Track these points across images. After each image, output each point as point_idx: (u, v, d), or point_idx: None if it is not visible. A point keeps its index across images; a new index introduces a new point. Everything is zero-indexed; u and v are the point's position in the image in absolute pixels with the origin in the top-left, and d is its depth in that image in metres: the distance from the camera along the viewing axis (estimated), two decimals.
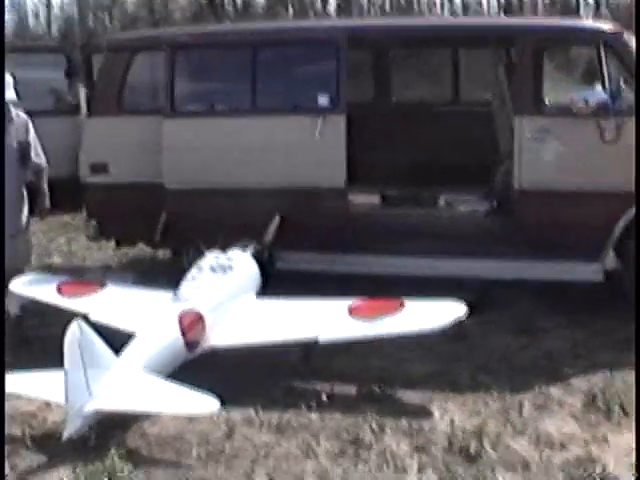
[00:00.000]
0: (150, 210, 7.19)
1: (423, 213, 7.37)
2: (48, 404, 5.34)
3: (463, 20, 7.00)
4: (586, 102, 6.47)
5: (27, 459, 4.68)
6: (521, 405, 5.27)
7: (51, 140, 7.51)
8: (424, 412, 5.22)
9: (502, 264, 6.83)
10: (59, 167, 7.57)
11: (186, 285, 5.68)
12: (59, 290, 6.22)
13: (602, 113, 6.42)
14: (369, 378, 5.66)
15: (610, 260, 6.71)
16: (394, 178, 7.71)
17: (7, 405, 5.37)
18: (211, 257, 5.97)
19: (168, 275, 7.41)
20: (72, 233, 9.85)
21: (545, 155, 6.52)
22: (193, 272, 5.82)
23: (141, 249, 8.84)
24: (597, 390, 5.35)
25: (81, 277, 7.19)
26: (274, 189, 6.89)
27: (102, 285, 6.26)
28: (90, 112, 7.47)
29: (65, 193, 7.55)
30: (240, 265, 6.01)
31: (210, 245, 7.00)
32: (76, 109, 7.91)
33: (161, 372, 5.06)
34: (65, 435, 4.57)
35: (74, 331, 4.59)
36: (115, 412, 4.76)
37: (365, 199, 7.35)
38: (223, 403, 4.64)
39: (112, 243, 8.78)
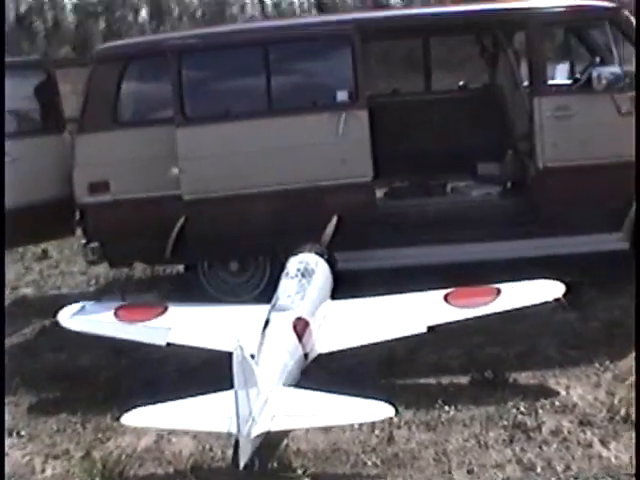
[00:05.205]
0: (159, 226, 6.81)
1: (437, 202, 7.39)
2: (161, 435, 5.00)
3: (463, 7, 6.98)
4: (599, 78, 6.70)
5: None
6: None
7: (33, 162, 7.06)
8: (550, 390, 5.26)
9: (527, 243, 6.96)
10: (44, 190, 7.11)
11: (284, 293, 5.41)
12: (117, 316, 5.77)
13: (615, 88, 6.66)
14: (466, 366, 5.65)
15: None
16: (396, 169, 7.67)
17: (113, 443, 5.01)
18: (295, 262, 5.72)
19: (183, 292, 7.16)
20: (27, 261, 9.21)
21: (567, 132, 6.69)
22: (285, 280, 5.55)
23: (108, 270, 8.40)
24: None
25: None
26: (302, 189, 6.69)
27: (165, 307, 5.86)
28: (81, 128, 6.93)
29: (54, 217, 7.09)
30: (319, 268, 5.81)
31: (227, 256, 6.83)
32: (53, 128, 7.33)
33: (292, 385, 4.82)
34: (241, 464, 4.23)
35: (238, 356, 4.26)
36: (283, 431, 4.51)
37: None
38: (397, 409, 4.47)
39: (76, 267, 8.42)
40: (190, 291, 7.17)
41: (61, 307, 6.07)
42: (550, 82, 6.89)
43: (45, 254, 9.33)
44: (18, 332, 7.08)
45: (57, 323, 6.06)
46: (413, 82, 8.69)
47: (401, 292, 5.80)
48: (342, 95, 6.75)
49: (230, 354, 4.32)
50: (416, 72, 8.56)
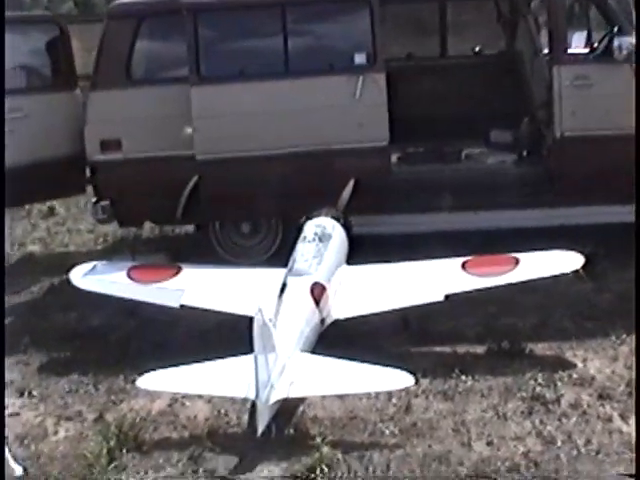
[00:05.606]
0: (171, 185, 6.74)
1: (451, 168, 7.30)
2: (175, 399, 4.95)
3: None
4: (620, 48, 6.58)
5: (214, 462, 4.26)
6: None
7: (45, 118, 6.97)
8: (567, 362, 5.22)
9: (542, 212, 6.89)
10: (56, 147, 7.02)
11: (302, 257, 5.35)
12: (130, 277, 5.70)
13: (634, 58, 6.55)
14: (482, 335, 5.60)
15: None
16: (409, 134, 7.56)
17: (126, 406, 4.96)
18: (312, 226, 5.65)
19: (193, 252, 7.10)
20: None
21: (586, 101, 6.59)
22: (302, 244, 5.49)
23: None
24: None
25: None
26: (317, 152, 6.60)
27: (179, 268, 5.79)
28: (94, 85, 6.83)
29: (65, 174, 7.01)
30: (336, 233, 5.75)
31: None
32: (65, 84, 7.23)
33: (308, 351, 4.77)
34: (259, 431, 4.19)
35: (259, 321, 4.21)
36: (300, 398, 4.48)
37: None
38: (416, 378, 4.44)
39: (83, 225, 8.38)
40: (200, 252, 7.10)
41: (71, 266, 6.01)
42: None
43: (52, 211, 9.26)
44: (26, 290, 7.01)
45: (66, 281, 6.02)
46: (428, 47, 8.53)
47: (416, 259, 5.75)
48: (360, 58, 6.62)
49: (250, 318, 4.27)
50: (430, 36, 8.40)
